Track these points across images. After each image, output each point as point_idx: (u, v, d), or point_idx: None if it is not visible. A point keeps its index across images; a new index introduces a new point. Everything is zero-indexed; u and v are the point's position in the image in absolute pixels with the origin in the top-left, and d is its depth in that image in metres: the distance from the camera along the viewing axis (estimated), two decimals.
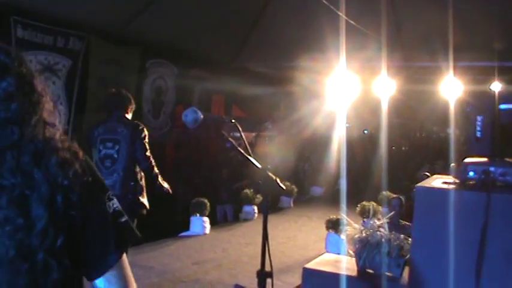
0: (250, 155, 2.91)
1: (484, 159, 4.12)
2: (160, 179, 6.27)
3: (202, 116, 2.69)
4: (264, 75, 14.82)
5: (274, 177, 2.94)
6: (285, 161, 19.38)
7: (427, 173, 12.56)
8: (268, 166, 2.96)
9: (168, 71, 13.27)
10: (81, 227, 1.53)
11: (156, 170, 6.20)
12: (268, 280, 2.99)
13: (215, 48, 12.83)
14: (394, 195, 9.23)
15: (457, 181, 4.17)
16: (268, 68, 14.93)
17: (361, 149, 19.37)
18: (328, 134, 16.40)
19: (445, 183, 4.32)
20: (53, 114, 1.62)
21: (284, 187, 3.07)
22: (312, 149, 19.43)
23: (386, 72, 12.80)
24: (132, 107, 6.42)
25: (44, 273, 1.44)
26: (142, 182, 6.18)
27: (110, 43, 10.56)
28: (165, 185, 6.37)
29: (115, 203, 1.66)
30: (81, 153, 1.61)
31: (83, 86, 10.00)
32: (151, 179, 6.21)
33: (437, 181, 4.46)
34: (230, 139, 2.80)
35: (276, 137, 20.30)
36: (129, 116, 6.33)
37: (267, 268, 2.98)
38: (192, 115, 2.70)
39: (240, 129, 2.90)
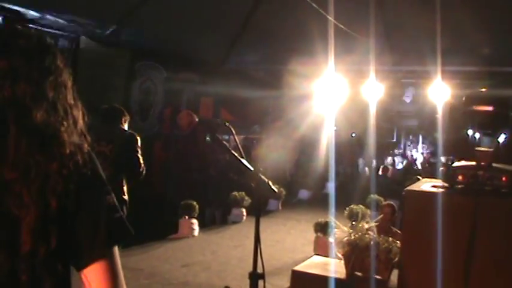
0: (243, 158, 2.93)
1: (472, 164, 4.17)
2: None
3: (197, 119, 2.71)
4: (252, 79, 14.85)
5: (266, 180, 2.97)
6: (273, 164, 19.43)
7: (418, 177, 12.63)
8: (261, 169, 2.98)
9: (157, 74, 13.27)
10: (73, 216, 1.55)
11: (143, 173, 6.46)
12: (260, 282, 3.01)
13: (204, 51, 12.85)
14: (386, 202, 9.22)
15: (446, 185, 4.22)
16: (257, 71, 14.96)
17: (348, 152, 19.46)
18: (316, 137, 16.46)
19: (434, 186, 4.36)
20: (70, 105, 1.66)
21: (276, 190, 3.09)
22: (300, 152, 19.47)
23: (374, 76, 12.86)
24: (126, 118, 6.64)
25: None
26: (124, 189, 6.39)
27: (99, 44, 10.55)
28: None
29: (111, 198, 1.67)
30: (85, 147, 1.63)
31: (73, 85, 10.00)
32: (136, 182, 6.47)
33: (426, 185, 4.50)
34: (224, 142, 2.83)
35: (264, 140, 20.33)
36: (124, 126, 6.60)
37: (259, 270, 2.99)
38: (187, 118, 2.72)
39: (234, 132, 2.93)
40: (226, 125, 2.90)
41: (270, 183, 3.01)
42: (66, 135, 1.57)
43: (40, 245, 1.47)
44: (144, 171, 6.43)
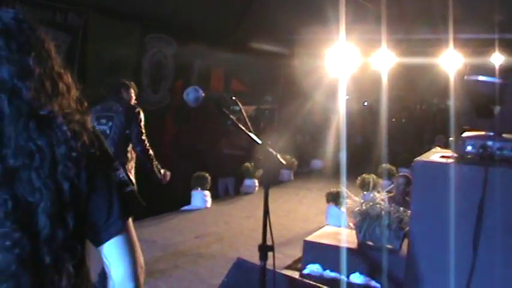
0: (250, 131, 2.94)
1: (482, 134, 4.16)
2: (155, 163, 6.20)
3: (203, 95, 2.71)
4: (263, 49, 14.76)
5: (274, 152, 2.97)
6: (285, 134, 19.41)
7: (438, 147, 12.56)
8: (269, 141, 2.98)
9: (167, 46, 13.25)
10: (87, 196, 1.58)
11: (151, 153, 6.12)
12: (270, 253, 3.03)
13: (214, 22, 12.80)
14: (401, 173, 9.12)
15: (456, 155, 4.21)
16: (268, 41, 14.87)
17: (360, 121, 19.41)
18: (328, 107, 16.42)
19: (444, 157, 4.36)
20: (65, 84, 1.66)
21: (284, 162, 3.09)
22: (313, 121, 19.41)
23: (386, 45, 12.79)
24: (133, 90, 6.36)
25: (55, 273, 1.52)
26: (132, 162, 6.10)
27: (109, 18, 10.53)
28: (162, 171, 6.33)
29: (121, 173, 1.70)
30: (88, 124, 1.64)
31: (83, 61, 10.01)
32: (146, 162, 6.14)
33: (435, 155, 4.50)
34: (231, 116, 2.83)
35: (276, 110, 20.29)
36: (129, 98, 6.27)
37: (269, 242, 3.01)
38: (193, 94, 2.72)
39: (241, 105, 2.93)
40: (233, 99, 2.91)
41: (278, 155, 3.02)
42: (61, 110, 1.58)
43: (58, 229, 1.50)
44: (147, 148, 6.12)
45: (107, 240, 1.65)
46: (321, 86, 15.20)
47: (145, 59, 12.79)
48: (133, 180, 6.10)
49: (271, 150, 2.96)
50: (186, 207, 10.85)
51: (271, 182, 2.94)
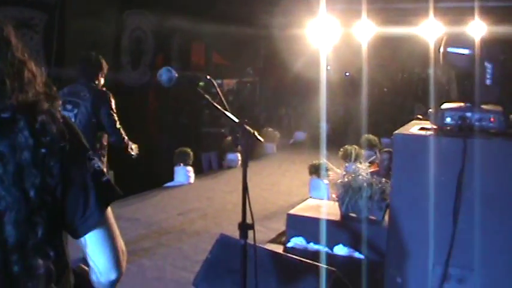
0: (226, 110, 2.91)
1: (461, 105, 4.16)
2: (129, 147, 6.08)
3: (176, 75, 2.67)
4: (243, 22, 14.67)
5: (252, 130, 2.95)
6: (267, 106, 19.41)
7: (419, 116, 12.60)
8: (245, 119, 2.96)
9: (146, 21, 13.15)
10: (62, 190, 1.56)
11: (126, 141, 5.98)
12: (250, 232, 3.02)
13: None
14: (385, 149, 9.15)
15: (435, 127, 4.21)
16: (248, 13, 14.78)
17: (342, 92, 19.41)
18: (309, 78, 16.39)
19: (423, 129, 4.36)
20: (33, 74, 1.61)
21: (262, 139, 3.08)
22: (294, 93, 19.40)
23: (366, 15, 12.74)
24: (103, 72, 6.02)
25: (28, 281, 1.50)
26: (103, 151, 5.90)
27: None
28: (134, 152, 6.21)
29: (95, 163, 1.67)
30: (58, 113, 1.60)
31: (61, 39, 9.90)
32: (120, 148, 5.99)
33: (415, 127, 4.50)
34: (206, 96, 2.80)
35: (257, 82, 20.26)
36: (98, 82, 5.97)
37: (249, 220, 3.00)
38: (166, 74, 2.68)
39: (216, 84, 2.90)
40: (207, 78, 2.87)
41: (256, 133, 3.00)
42: (26, 102, 1.53)
43: (27, 236, 1.48)
44: (122, 137, 5.92)
45: (86, 232, 1.64)
46: (302, 57, 15.16)
47: (125, 36, 12.70)
48: (105, 170, 5.93)
49: (248, 128, 2.94)
50: (169, 184, 10.83)
51: (253, 154, 2.92)
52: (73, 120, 5.46)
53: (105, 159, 5.97)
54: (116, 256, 1.68)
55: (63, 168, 1.55)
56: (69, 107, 5.62)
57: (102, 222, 1.65)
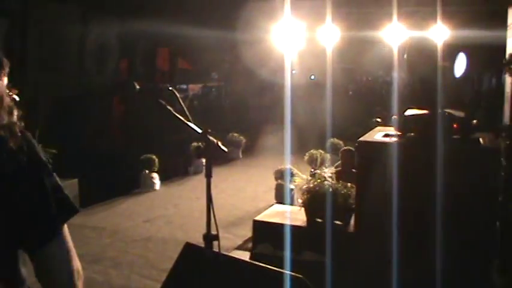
0: (189, 121, 2.88)
1: (424, 112, 4.19)
2: None
3: (138, 87, 2.64)
4: (208, 26, 14.63)
5: (215, 140, 2.93)
6: (233, 111, 19.38)
7: (378, 119, 12.72)
8: (209, 130, 2.94)
9: (110, 26, 13.04)
10: (17, 203, 1.52)
11: None
12: (215, 242, 3.00)
13: (158, 1, 12.65)
14: (345, 147, 9.25)
15: (399, 133, 4.24)
16: (212, 18, 14.75)
17: (307, 95, 19.46)
18: (275, 82, 16.41)
19: (387, 135, 4.39)
20: None
21: (226, 150, 3.06)
22: (260, 97, 19.41)
23: (331, 19, 12.79)
24: (5, 72, 5.88)
25: None
26: None
27: (49, 1, 10.31)
28: None
29: (53, 179, 1.64)
30: (16, 128, 1.56)
31: (23, 44, 9.78)
32: None
33: (379, 134, 4.53)
34: (168, 107, 2.76)
35: (222, 87, 20.23)
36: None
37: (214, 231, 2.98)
38: (127, 85, 2.65)
39: (178, 95, 2.87)
40: (169, 90, 2.84)
41: (219, 143, 2.98)
42: None
43: None
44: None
45: (40, 248, 1.60)
46: (267, 61, 15.17)
47: (89, 40, 12.59)
48: None
49: (212, 138, 2.91)
50: (134, 191, 10.72)
51: (218, 160, 2.91)
52: None
53: None
54: (70, 275, 1.64)
55: (19, 182, 1.51)
56: None
57: (57, 240, 1.61)
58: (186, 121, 2.86)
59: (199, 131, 2.90)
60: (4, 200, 1.47)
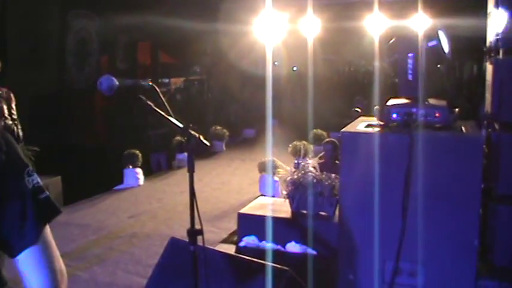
0: (170, 116, 2.86)
1: (407, 101, 4.19)
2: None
3: (117, 83, 2.61)
4: (189, 19, 14.59)
5: (197, 135, 2.91)
6: (216, 104, 19.35)
7: (357, 109, 12.73)
8: (190, 124, 2.92)
9: (90, 22, 12.97)
10: None
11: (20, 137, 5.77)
12: (199, 237, 2.99)
13: None
14: (327, 139, 9.28)
15: (381, 123, 4.24)
16: (193, 10, 14.70)
17: (290, 87, 19.48)
18: (257, 74, 16.39)
19: (370, 126, 4.39)
20: None
21: (208, 144, 3.04)
22: (242, 90, 19.39)
23: (312, 10, 12.79)
24: None
25: None
26: None
27: None
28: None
29: (35, 179, 1.61)
30: None
31: (2, 40, 9.70)
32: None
33: (361, 124, 4.52)
34: (149, 102, 2.74)
35: (205, 80, 20.19)
36: None
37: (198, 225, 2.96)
38: (106, 82, 2.62)
39: (159, 90, 2.84)
40: (150, 85, 2.82)
41: (201, 137, 2.96)
42: None
43: None
44: (20, 134, 5.70)
45: (22, 251, 1.57)
46: (250, 54, 15.16)
47: (69, 37, 12.51)
48: None
49: (193, 133, 2.89)
50: (118, 187, 10.68)
51: (202, 154, 2.89)
52: None
53: None
54: (52, 278, 1.61)
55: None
56: None
57: (39, 241, 1.59)
58: (167, 116, 2.84)
59: (181, 125, 2.89)
60: None
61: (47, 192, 1.65)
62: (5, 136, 1.57)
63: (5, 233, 1.53)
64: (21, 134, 5.78)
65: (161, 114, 2.79)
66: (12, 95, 6.06)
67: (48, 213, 1.63)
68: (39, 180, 1.63)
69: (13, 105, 5.91)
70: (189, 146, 2.91)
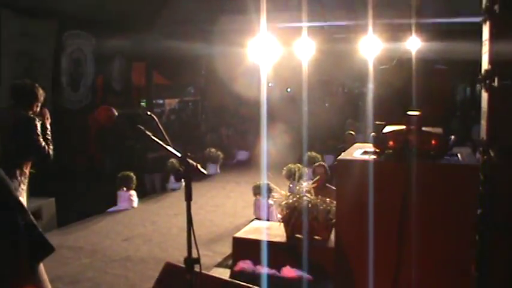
0: (169, 145, 2.87)
1: (402, 128, 4.21)
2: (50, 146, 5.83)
3: (116, 113, 2.62)
4: (183, 41, 14.64)
5: (194, 164, 2.92)
6: (210, 126, 19.35)
7: (351, 132, 12.78)
8: (188, 153, 2.93)
9: (85, 42, 12.99)
10: None
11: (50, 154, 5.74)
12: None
13: (134, 15, 12.61)
14: (317, 163, 9.32)
15: (377, 150, 4.25)
16: (188, 32, 14.77)
17: (284, 109, 19.51)
18: (251, 96, 16.42)
19: (366, 153, 4.39)
20: None
21: (205, 172, 3.05)
22: (237, 112, 19.42)
23: (306, 32, 12.86)
24: (38, 104, 5.79)
25: None
26: (22, 179, 5.57)
27: (23, 15, 10.22)
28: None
29: (27, 217, 1.60)
30: None
31: None
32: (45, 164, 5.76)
33: (358, 151, 4.53)
34: (147, 132, 2.75)
35: (199, 101, 20.22)
36: (32, 111, 5.72)
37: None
38: (104, 113, 2.63)
39: (157, 120, 2.85)
40: (148, 115, 2.83)
41: (199, 166, 2.97)
42: None
43: None
44: (50, 153, 5.69)
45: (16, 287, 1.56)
46: (244, 76, 15.20)
47: (64, 57, 12.51)
48: (24, 203, 5.63)
49: (191, 162, 2.90)
50: (112, 209, 10.61)
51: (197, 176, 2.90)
52: None
53: (24, 187, 5.65)
54: None
55: None
56: None
57: (31, 278, 1.58)
58: (165, 145, 2.85)
59: (179, 155, 2.89)
60: None
61: (39, 229, 1.63)
62: None
63: None
64: (51, 153, 5.72)
65: (160, 143, 2.80)
66: (47, 110, 6.00)
67: (40, 250, 1.62)
68: (31, 217, 1.62)
69: (47, 125, 5.86)
70: (187, 174, 2.92)
